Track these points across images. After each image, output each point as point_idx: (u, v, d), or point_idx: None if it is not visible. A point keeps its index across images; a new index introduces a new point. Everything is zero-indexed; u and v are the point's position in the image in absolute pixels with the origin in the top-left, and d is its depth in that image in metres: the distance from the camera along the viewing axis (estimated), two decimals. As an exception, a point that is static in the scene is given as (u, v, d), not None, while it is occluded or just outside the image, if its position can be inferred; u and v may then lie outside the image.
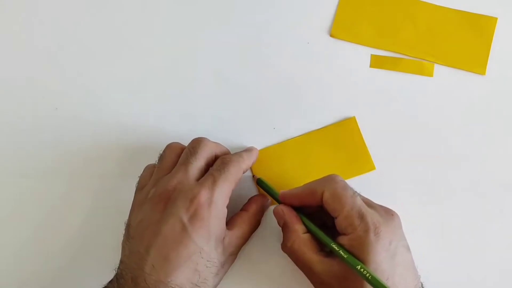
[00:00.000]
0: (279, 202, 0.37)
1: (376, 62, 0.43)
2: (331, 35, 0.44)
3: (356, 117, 0.42)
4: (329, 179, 0.35)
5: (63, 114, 0.43)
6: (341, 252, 0.32)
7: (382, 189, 0.40)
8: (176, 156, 0.37)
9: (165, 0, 0.45)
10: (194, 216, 0.33)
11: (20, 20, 0.45)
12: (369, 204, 0.35)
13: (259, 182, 0.40)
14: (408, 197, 0.41)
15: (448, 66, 0.43)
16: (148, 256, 0.32)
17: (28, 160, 0.42)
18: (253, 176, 0.40)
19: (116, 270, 0.34)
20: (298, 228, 0.35)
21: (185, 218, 0.33)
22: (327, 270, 0.33)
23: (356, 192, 0.35)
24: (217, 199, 0.34)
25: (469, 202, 0.41)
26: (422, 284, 0.34)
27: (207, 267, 0.33)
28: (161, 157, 0.38)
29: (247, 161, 0.38)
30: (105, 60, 0.44)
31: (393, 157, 0.41)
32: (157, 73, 0.44)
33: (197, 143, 0.37)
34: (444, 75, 0.43)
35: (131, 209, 0.36)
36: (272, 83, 0.43)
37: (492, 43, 0.43)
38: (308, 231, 0.35)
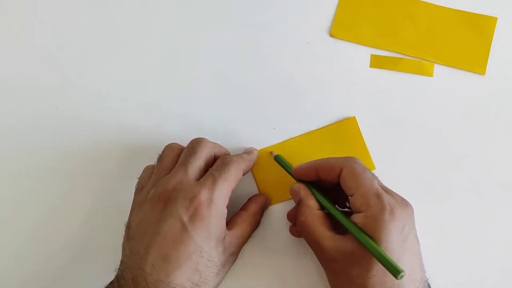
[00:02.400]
0: (293, 176, 0.38)
1: (376, 62, 0.43)
2: (331, 35, 0.44)
3: (356, 117, 0.42)
4: (349, 158, 0.35)
5: (63, 114, 0.43)
6: (353, 229, 0.32)
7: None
8: (176, 156, 0.37)
9: (165, 0, 0.45)
10: (194, 216, 0.33)
11: (20, 20, 0.45)
12: (386, 189, 0.35)
13: (277, 159, 0.40)
14: (408, 197, 0.40)
15: (448, 66, 0.43)
16: (148, 256, 0.32)
17: (28, 160, 0.42)
18: (271, 152, 0.41)
19: (116, 270, 0.34)
20: (312, 204, 0.35)
21: (185, 218, 0.33)
22: (337, 246, 0.33)
23: (374, 176, 0.35)
24: (217, 199, 0.34)
25: (469, 202, 0.41)
26: (427, 280, 0.34)
27: (207, 266, 0.33)
28: (160, 158, 0.38)
29: (247, 162, 0.38)
30: (105, 60, 0.44)
31: (393, 157, 0.41)
32: (157, 73, 0.44)
33: (196, 143, 0.37)
34: (444, 75, 0.43)
35: (131, 210, 0.36)
36: (272, 83, 0.43)
37: (492, 43, 0.43)
38: (322, 208, 0.36)
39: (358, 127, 0.42)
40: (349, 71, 0.43)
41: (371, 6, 0.44)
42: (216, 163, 0.36)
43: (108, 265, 0.35)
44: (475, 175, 0.41)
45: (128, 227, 0.35)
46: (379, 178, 0.41)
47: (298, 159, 0.41)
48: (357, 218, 0.33)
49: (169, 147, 0.38)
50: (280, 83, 0.43)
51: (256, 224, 0.39)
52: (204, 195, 0.33)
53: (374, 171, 0.41)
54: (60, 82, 0.44)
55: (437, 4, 0.44)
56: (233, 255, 0.37)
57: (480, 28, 0.43)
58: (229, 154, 0.39)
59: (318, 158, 0.37)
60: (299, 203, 0.36)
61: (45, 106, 0.43)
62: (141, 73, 0.44)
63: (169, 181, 0.35)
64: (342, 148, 0.41)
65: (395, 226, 0.32)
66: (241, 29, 0.44)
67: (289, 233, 0.40)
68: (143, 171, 0.39)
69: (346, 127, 0.42)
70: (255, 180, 0.41)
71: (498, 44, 0.43)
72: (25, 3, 0.45)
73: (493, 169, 0.41)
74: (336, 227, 0.35)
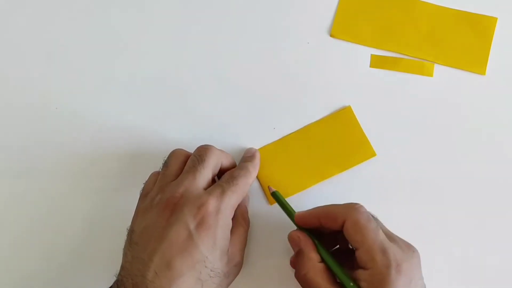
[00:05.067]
0: (293, 219, 0.36)
1: (376, 62, 0.43)
2: (331, 35, 0.44)
3: (351, 106, 0.42)
4: (353, 208, 0.34)
5: (63, 114, 0.43)
6: None
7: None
8: (181, 163, 0.37)
9: (166, 2, 0.45)
10: (201, 224, 0.33)
11: (20, 19, 0.45)
12: (391, 237, 0.34)
13: (275, 196, 0.39)
14: (408, 194, 0.41)
15: (448, 66, 0.43)
16: (151, 263, 0.32)
17: (28, 160, 0.42)
18: (268, 187, 0.40)
19: (116, 276, 0.34)
20: (313, 257, 0.34)
21: (191, 225, 0.33)
22: None
23: (378, 224, 0.34)
24: (225, 209, 0.34)
25: (468, 203, 0.41)
26: None
27: (210, 277, 0.33)
28: (166, 164, 0.37)
29: (253, 174, 0.38)
30: (105, 61, 0.44)
31: (394, 158, 0.41)
32: (157, 74, 0.44)
33: (204, 151, 0.37)
34: (444, 75, 0.43)
35: (134, 215, 0.36)
36: (272, 83, 0.43)
37: (492, 43, 0.43)
38: (323, 259, 0.34)
39: (355, 115, 0.42)
40: (349, 71, 0.43)
41: (371, 6, 0.44)
42: (224, 176, 0.36)
43: (107, 270, 0.35)
44: (475, 175, 0.41)
45: (131, 232, 0.35)
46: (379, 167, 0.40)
47: (299, 153, 0.41)
48: (363, 275, 0.32)
49: (175, 154, 0.38)
50: (280, 83, 0.43)
51: (247, 224, 0.39)
52: (212, 204, 0.33)
53: (375, 157, 0.41)
54: (60, 82, 0.44)
55: (437, 4, 0.44)
56: (237, 265, 0.36)
57: (480, 28, 0.43)
58: (235, 163, 0.39)
59: (320, 206, 0.36)
60: (299, 254, 0.35)
61: (45, 106, 0.43)
62: (141, 73, 0.44)
63: (176, 188, 0.34)
64: (341, 138, 0.41)
65: (402, 282, 0.31)
66: (241, 29, 0.44)
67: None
68: (149, 177, 0.38)
69: (342, 117, 0.42)
70: (258, 179, 0.41)
71: (498, 44, 0.43)
72: (25, 3, 0.45)
73: (493, 169, 0.41)
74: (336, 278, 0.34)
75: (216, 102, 0.43)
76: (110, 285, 0.34)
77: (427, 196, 0.41)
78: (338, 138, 0.42)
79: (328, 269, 0.34)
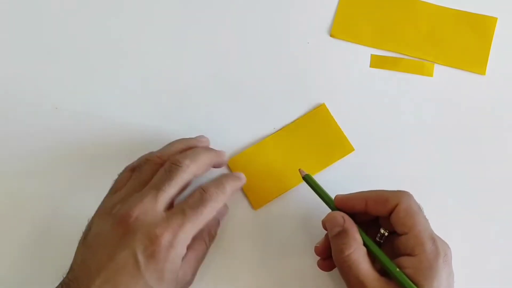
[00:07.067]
0: (329, 203, 0.36)
1: (376, 62, 0.43)
2: (331, 35, 0.44)
3: (325, 104, 0.42)
4: (405, 193, 0.33)
5: (63, 114, 0.43)
6: (401, 276, 0.31)
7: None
8: (154, 172, 0.35)
9: (166, 2, 0.45)
10: (150, 257, 0.31)
11: (20, 20, 0.45)
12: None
13: (307, 179, 0.37)
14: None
15: (448, 66, 0.43)
16: (97, 278, 0.31)
17: (28, 160, 0.42)
18: (300, 170, 0.37)
19: (63, 276, 0.33)
20: (359, 238, 0.33)
21: (140, 257, 0.31)
22: None
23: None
24: (178, 244, 0.32)
25: (469, 203, 0.41)
26: None
27: None
28: (139, 168, 0.36)
29: (228, 195, 0.35)
30: (105, 61, 0.44)
31: (394, 158, 0.41)
32: (156, 74, 0.44)
33: (175, 168, 0.34)
34: (444, 75, 0.43)
35: (96, 211, 0.35)
36: (272, 84, 0.43)
37: (492, 43, 0.43)
38: (365, 246, 0.34)
39: (329, 112, 0.42)
40: (349, 71, 0.43)
41: (371, 6, 0.44)
42: (193, 196, 0.34)
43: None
44: (474, 176, 0.41)
45: (89, 229, 0.34)
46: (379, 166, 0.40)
47: (278, 155, 0.41)
48: (408, 261, 0.32)
49: (148, 160, 0.36)
50: (280, 83, 0.43)
51: (211, 239, 0.37)
52: (166, 237, 0.32)
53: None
54: (60, 82, 0.44)
55: (437, 4, 0.44)
56: (187, 284, 0.35)
57: (480, 28, 0.43)
58: (222, 161, 0.38)
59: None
60: (342, 235, 0.33)
61: (45, 106, 0.43)
62: (141, 73, 0.44)
63: (135, 205, 0.33)
64: (319, 136, 0.41)
65: (446, 273, 0.31)
66: (240, 29, 0.44)
67: (287, 234, 0.40)
68: (123, 172, 0.37)
69: (318, 115, 0.42)
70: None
71: (498, 44, 0.43)
72: (25, 3, 0.45)
73: (492, 169, 0.41)
74: (374, 264, 0.33)
75: (216, 102, 0.43)
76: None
77: (427, 196, 0.40)
78: (315, 136, 0.41)
79: (369, 254, 0.33)
